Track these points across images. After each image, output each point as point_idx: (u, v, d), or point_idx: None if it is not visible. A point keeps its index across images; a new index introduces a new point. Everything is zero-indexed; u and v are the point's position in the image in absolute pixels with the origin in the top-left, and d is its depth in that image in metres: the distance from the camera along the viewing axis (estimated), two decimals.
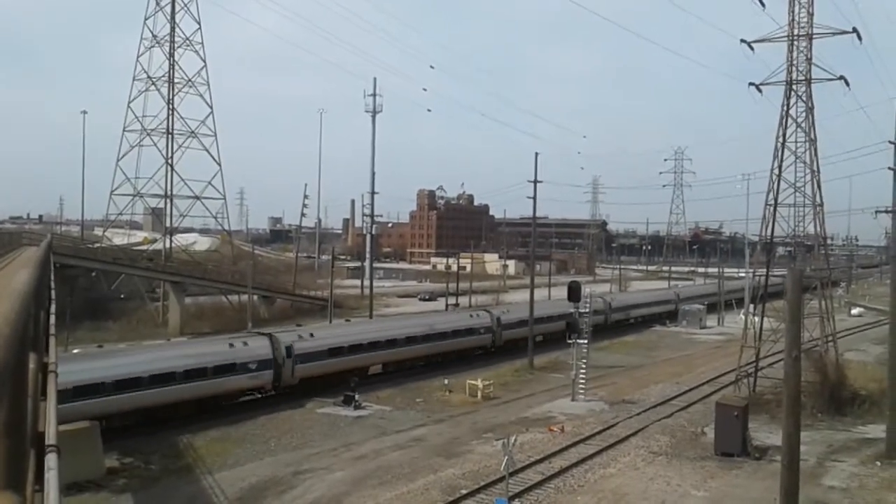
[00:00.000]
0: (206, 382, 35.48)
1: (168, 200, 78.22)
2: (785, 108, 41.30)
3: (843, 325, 60.83)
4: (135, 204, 79.79)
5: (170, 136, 77.48)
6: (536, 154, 52.19)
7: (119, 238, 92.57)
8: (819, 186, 41.19)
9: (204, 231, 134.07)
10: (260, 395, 39.79)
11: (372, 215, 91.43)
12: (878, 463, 29.61)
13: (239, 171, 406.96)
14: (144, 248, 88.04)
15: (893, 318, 33.14)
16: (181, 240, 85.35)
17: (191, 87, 78.43)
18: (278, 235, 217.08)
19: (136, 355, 37.04)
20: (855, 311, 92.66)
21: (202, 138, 79.14)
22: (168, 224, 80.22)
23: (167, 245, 78.76)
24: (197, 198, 79.38)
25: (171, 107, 77.59)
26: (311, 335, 42.79)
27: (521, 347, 52.51)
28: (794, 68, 40.84)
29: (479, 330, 54.27)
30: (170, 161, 77.29)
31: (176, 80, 77.78)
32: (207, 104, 78.97)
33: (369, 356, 45.83)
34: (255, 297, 71.04)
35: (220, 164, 79.90)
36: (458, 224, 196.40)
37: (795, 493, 10.04)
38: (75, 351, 37.74)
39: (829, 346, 41.10)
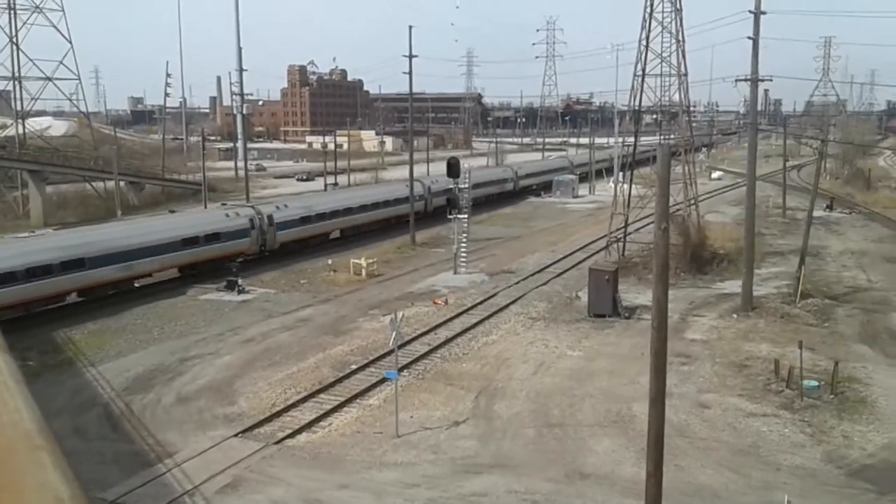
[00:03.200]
0: (392, 209, 54.98)
1: (16, 82, 72.69)
2: None
3: (704, 188, 64.39)
4: None
5: (12, 11, 71.13)
6: (410, 27, 50.83)
7: None
8: (684, 56, 42.52)
9: (58, 114, 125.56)
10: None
11: (242, 94, 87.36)
12: (735, 315, 32.31)
13: (93, 48, 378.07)
14: None
15: (750, 180, 35.37)
16: (34, 124, 79.89)
17: None
18: (141, 117, 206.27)
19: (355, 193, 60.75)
20: (715, 174, 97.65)
21: (49, 13, 73.06)
22: (19, 108, 74.76)
23: (20, 131, 73.52)
24: (48, 79, 73.95)
25: None
26: (437, 181, 59.33)
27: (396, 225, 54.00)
28: None
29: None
30: (14, 39, 71.25)
31: None
32: None
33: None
34: (123, 184, 67.96)
35: (70, 42, 74.54)
36: (332, 101, 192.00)
37: (664, 353, 10.95)
38: None
39: (692, 209, 43.66)
